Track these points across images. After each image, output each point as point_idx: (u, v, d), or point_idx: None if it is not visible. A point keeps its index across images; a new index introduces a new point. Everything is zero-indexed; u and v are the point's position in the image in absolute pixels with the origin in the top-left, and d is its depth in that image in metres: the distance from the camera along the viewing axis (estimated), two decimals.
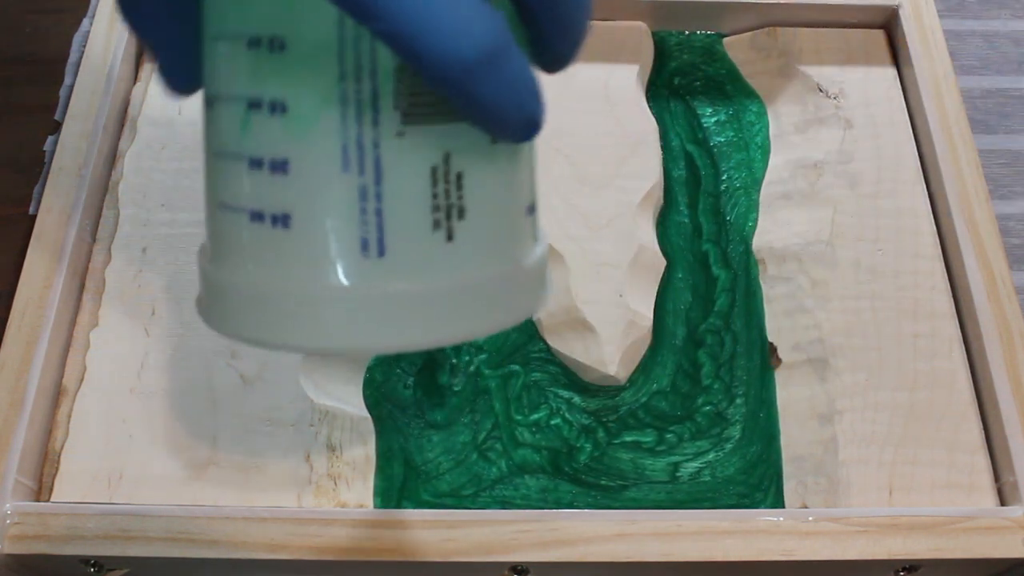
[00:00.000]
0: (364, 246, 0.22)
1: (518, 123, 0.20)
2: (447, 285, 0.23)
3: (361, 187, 0.21)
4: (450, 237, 0.22)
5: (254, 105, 0.22)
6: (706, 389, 0.39)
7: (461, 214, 0.22)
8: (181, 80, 0.23)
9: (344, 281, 0.22)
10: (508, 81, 0.19)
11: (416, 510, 0.35)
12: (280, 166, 0.22)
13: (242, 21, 0.21)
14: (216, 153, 0.23)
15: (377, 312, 0.22)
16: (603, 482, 0.37)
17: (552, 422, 0.38)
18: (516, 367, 0.40)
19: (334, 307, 0.22)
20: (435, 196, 0.22)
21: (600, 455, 0.38)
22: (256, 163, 0.22)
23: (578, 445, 0.38)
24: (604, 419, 0.39)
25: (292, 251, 0.22)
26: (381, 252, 0.22)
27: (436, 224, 0.22)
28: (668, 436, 0.38)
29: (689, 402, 0.39)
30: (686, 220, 0.43)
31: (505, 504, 0.36)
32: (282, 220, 0.22)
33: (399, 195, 0.22)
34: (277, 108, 0.21)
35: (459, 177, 0.22)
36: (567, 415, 0.39)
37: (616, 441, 0.38)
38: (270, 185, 0.22)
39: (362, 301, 0.22)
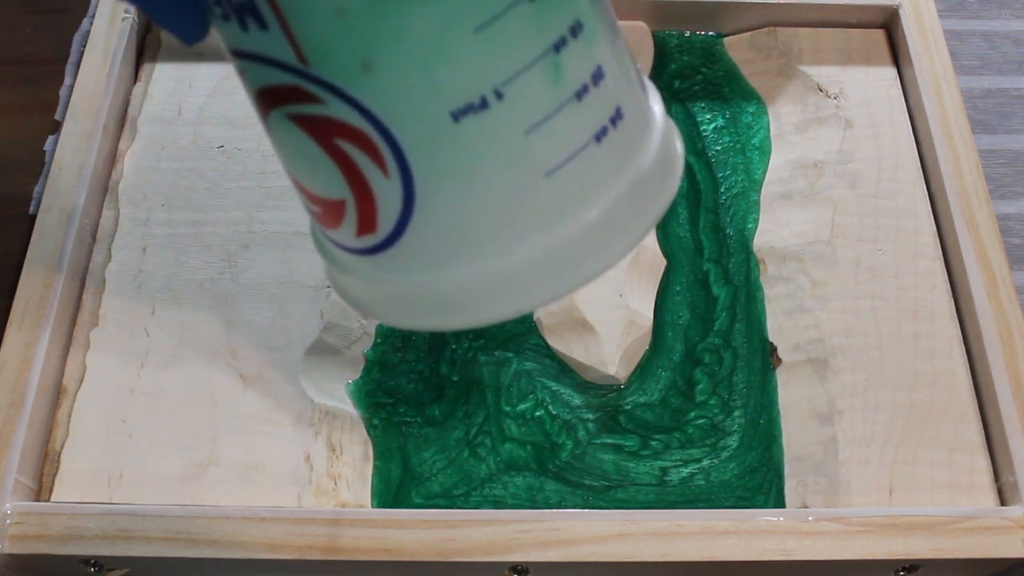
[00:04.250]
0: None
1: None
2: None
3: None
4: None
5: (559, 45, 0.22)
6: (700, 404, 0.39)
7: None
8: (191, 36, 0.22)
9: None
10: None
11: (416, 510, 0.35)
12: (600, 74, 0.23)
13: None
14: (529, 131, 0.22)
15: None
16: (587, 481, 0.37)
17: (536, 414, 0.38)
18: (510, 354, 0.40)
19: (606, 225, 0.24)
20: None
21: (581, 454, 0.38)
22: (581, 91, 0.22)
23: (559, 441, 0.38)
24: (585, 417, 0.39)
25: (622, 149, 0.24)
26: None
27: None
28: (653, 443, 0.38)
29: (679, 416, 0.39)
30: (687, 235, 0.43)
31: (496, 503, 0.36)
32: (617, 115, 0.23)
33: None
34: (576, 29, 0.22)
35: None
36: (550, 408, 0.38)
37: (597, 441, 0.38)
38: (599, 96, 0.23)
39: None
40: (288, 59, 0.21)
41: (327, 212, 0.25)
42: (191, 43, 0.22)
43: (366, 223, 0.24)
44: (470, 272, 0.23)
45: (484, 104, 0.21)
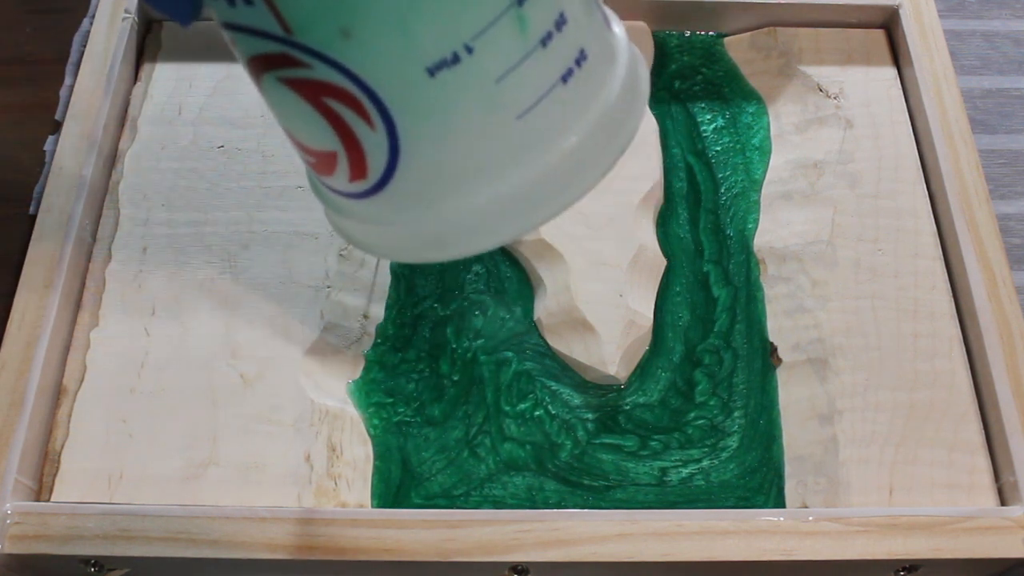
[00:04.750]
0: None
1: None
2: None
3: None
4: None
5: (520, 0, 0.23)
6: (700, 405, 0.39)
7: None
8: (185, 15, 0.23)
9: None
10: None
11: (417, 510, 0.35)
12: (562, 20, 0.24)
13: None
14: (499, 80, 0.24)
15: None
16: (586, 481, 0.37)
17: (535, 413, 0.38)
18: (510, 354, 0.40)
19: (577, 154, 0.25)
20: None
21: (580, 454, 0.38)
22: (546, 38, 0.24)
23: (558, 441, 0.38)
24: (584, 417, 0.39)
25: (588, 87, 0.25)
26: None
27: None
28: (652, 443, 0.38)
29: (679, 416, 0.39)
30: (687, 236, 0.43)
31: (496, 503, 0.36)
32: (581, 56, 0.25)
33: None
34: None
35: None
36: (550, 408, 0.39)
37: (596, 441, 0.38)
38: (563, 40, 0.24)
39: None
40: (274, 30, 0.23)
41: (321, 162, 0.27)
42: (186, 23, 0.23)
43: (357, 171, 0.26)
44: (455, 207, 0.25)
45: (456, 59, 0.23)
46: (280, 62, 0.24)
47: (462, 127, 0.24)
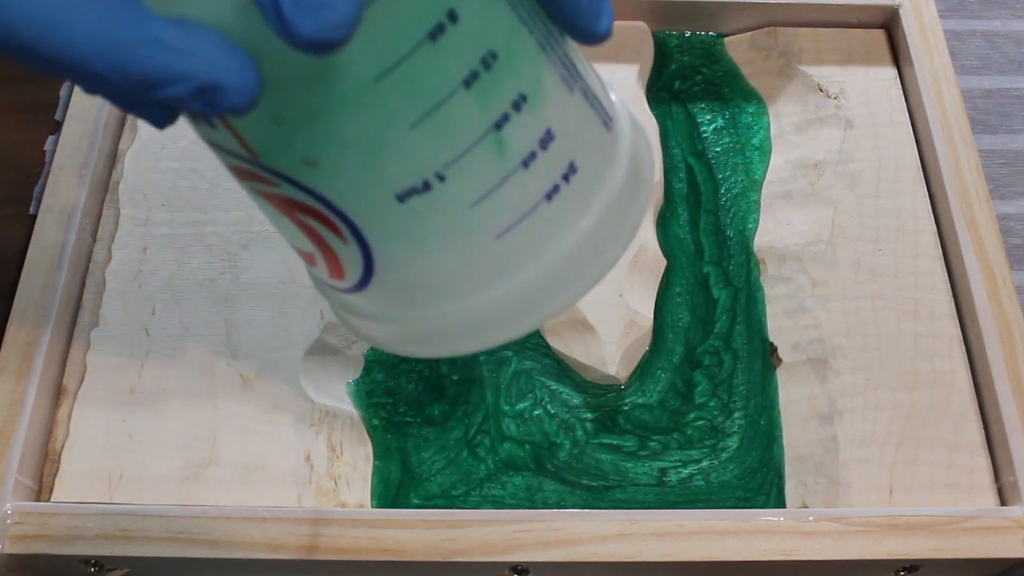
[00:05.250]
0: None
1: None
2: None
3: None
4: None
5: (501, 123, 0.22)
6: (700, 406, 0.39)
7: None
8: (162, 124, 0.24)
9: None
10: None
11: (417, 510, 0.35)
12: (549, 137, 0.23)
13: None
14: (474, 204, 0.23)
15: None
16: (585, 481, 0.37)
17: (534, 413, 0.38)
18: (509, 353, 0.40)
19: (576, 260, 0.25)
20: None
21: (579, 453, 0.38)
22: (528, 158, 0.22)
23: (557, 441, 0.38)
24: (583, 417, 0.39)
25: (578, 200, 0.24)
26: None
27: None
28: (651, 443, 0.38)
29: (678, 417, 0.39)
30: (687, 237, 0.43)
31: (496, 503, 0.36)
32: (570, 170, 0.23)
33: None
34: (519, 103, 0.22)
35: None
36: (549, 407, 0.39)
37: (594, 441, 0.38)
38: (548, 159, 0.23)
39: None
40: (239, 152, 0.23)
41: (303, 256, 0.26)
42: (162, 128, 0.23)
43: (335, 272, 0.25)
44: (436, 314, 0.25)
45: (427, 187, 0.22)
46: (251, 176, 0.24)
47: (436, 247, 0.23)
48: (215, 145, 0.24)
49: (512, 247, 0.23)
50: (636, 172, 0.26)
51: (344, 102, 0.21)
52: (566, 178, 0.23)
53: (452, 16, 0.21)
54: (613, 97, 0.26)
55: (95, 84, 0.20)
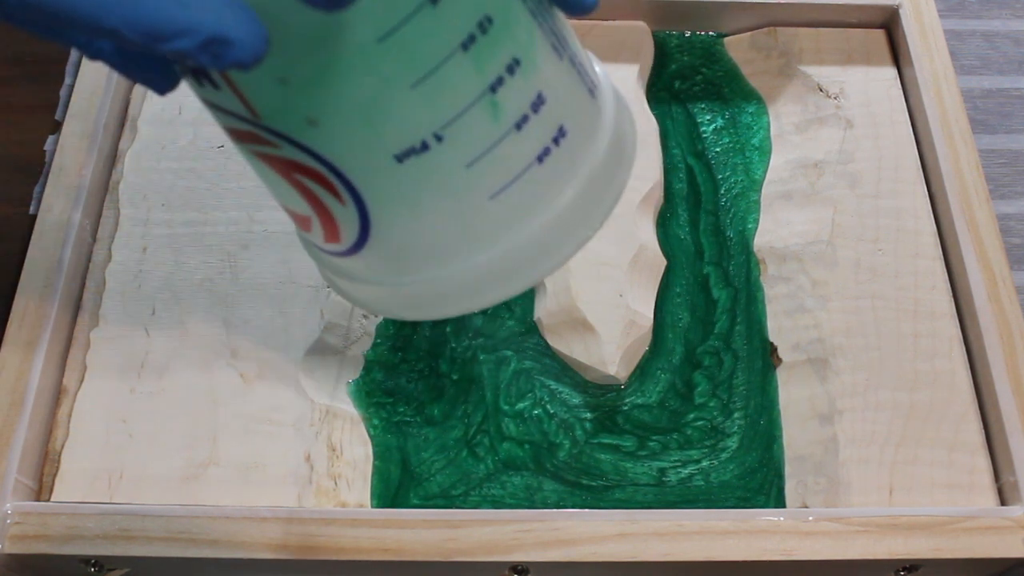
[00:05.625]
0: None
1: None
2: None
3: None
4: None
5: (496, 86, 0.23)
6: (700, 407, 0.39)
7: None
8: (163, 89, 0.24)
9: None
10: None
11: (416, 510, 0.35)
12: (540, 101, 0.24)
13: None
14: (470, 164, 0.24)
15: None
16: (584, 481, 0.37)
17: (534, 412, 0.38)
18: (509, 353, 0.40)
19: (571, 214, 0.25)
20: None
21: (579, 453, 0.38)
22: (521, 121, 0.23)
23: (556, 441, 0.38)
24: (582, 417, 0.39)
25: (567, 163, 0.25)
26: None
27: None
28: (651, 443, 0.38)
29: (678, 417, 0.39)
30: (687, 238, 0.43)
31: (495, 503, 0.36)
32: (559, 134, 0.24)
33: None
34: (513, 67, 0.23)
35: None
36: (548, 407, 0.39)
37: (594, 441, 0.38)
38: (539, 121, 0.24)
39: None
40: (242, 113, 0.23)
41: (298, 220, 0.27)
42: (163, 94, 0.24)
43: (330, 235, 0.26)
44: (430, 276, 0.25)
45: (425, 147, 0.23)
46: (250, 138, 0.24)
47: (432, 207, 0.24)
48: (217, 107, 0.24)
49: (505, 208, 0.24)
50: (619, 141, 0.27)
51: (348, 63, 0.21)
52: (556, 141, 0.25)
53: None
54: (598, 69, 0.27)
55: (102, 41, 0.20)
